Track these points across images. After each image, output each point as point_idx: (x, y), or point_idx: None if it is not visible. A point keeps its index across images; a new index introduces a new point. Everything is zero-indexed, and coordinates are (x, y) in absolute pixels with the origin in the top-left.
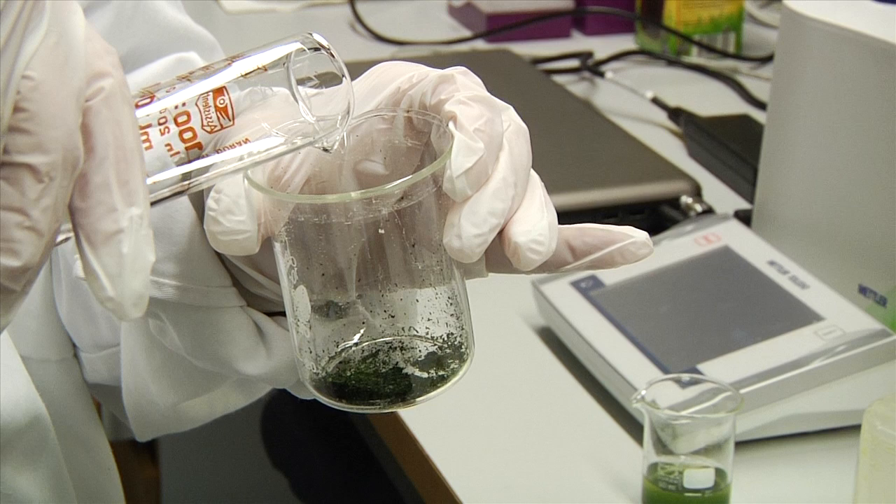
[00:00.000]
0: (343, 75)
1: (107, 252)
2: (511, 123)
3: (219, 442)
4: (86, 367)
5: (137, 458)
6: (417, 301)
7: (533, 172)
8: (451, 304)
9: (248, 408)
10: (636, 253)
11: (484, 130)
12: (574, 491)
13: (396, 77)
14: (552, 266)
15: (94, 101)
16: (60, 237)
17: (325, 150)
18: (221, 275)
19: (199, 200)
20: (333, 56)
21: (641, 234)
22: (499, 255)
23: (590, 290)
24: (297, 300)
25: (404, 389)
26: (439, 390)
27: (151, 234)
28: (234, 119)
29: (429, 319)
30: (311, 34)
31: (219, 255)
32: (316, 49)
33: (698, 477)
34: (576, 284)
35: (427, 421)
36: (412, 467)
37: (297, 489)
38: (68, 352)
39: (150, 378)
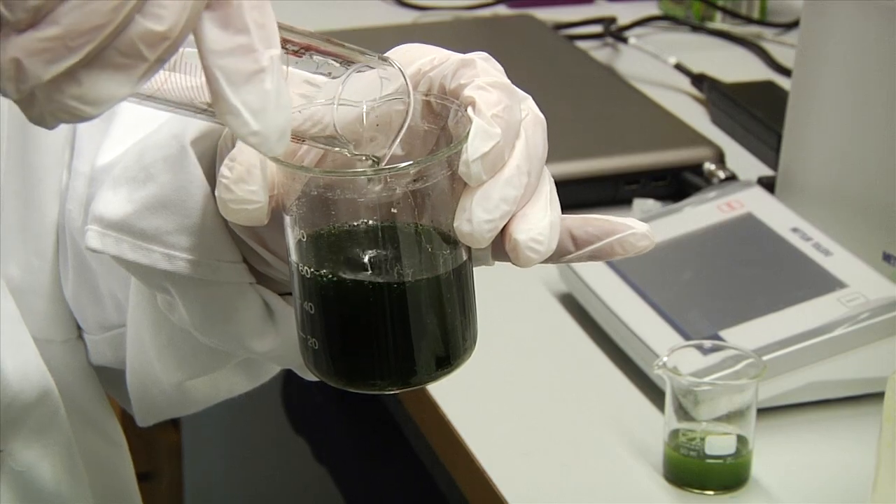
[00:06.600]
0: (409, 100)
1: (249, 90)
2: (529, 113)
3: (240, 407)
4: (90, 350)
5: (159, 423)
6: (425, 283)
7: (544, 167)
8: (458, 288)
9: None
10: (636, 245)
11: (502, 117)
12: (595, 457)
13: (417, 59)
14: (554, 256)
15: None
16: (200, 103)
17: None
18: (232, 250)
19: (212, 174)
20: (405, 79)
21: (642, 226)
22: (503, 244)
23: None
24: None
25: (406, 371)
26: (441, 374)
27: (287, 78)
28: None
29: (435, 303)
30: (392, 63)
31: (230, 231)
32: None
33: (720, 443)
34: None
35: (449, 387)
36: (433, 434)
37: (318, 455)
38: (73, 333)
39: (156, 355)
